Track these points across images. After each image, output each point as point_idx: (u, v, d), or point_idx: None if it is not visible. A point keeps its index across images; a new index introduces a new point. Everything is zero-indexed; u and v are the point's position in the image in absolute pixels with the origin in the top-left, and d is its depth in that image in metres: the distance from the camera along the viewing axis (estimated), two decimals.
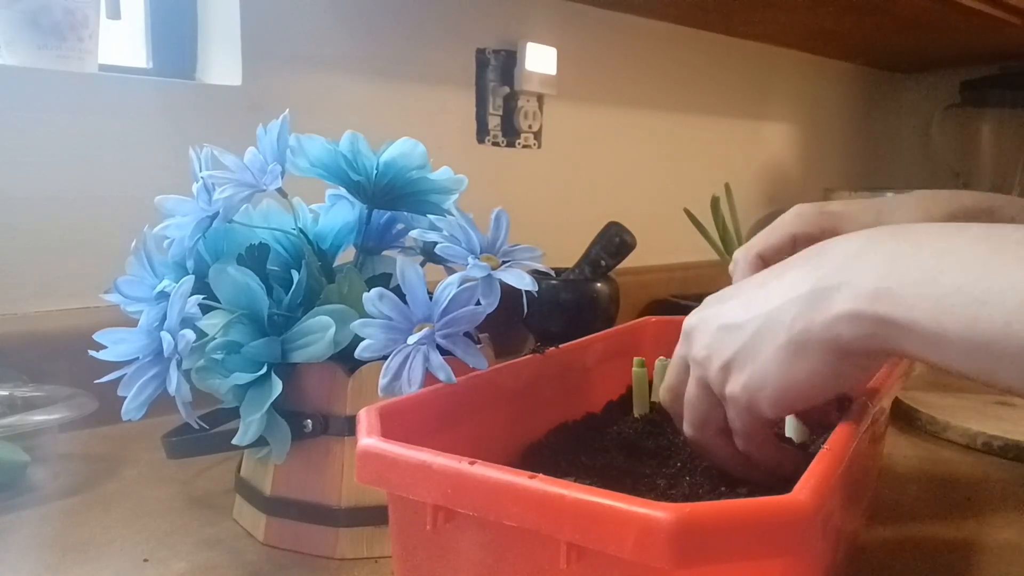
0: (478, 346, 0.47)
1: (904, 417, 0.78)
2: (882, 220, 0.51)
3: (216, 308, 0.49)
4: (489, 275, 0.46)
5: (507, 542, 0.34)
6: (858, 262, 0.34)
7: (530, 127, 1.14)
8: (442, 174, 0.55)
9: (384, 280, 0.54)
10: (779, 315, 0.36)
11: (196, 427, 0.51)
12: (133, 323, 0.50)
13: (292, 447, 0.49)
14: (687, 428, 0.43)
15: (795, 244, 0.51)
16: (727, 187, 1.30)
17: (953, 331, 0.30)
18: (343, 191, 0.55)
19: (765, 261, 0.51)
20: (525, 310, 0.52)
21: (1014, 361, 0.29)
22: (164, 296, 0.49)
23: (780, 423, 0.51)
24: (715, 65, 1.44)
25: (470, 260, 0.47)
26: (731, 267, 0.53)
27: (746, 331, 0.38)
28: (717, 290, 0.44)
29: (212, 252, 0.53)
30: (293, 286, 0.50)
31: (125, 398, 0.48)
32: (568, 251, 1.02)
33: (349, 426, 0.49)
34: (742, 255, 0.52)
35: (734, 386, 0.39)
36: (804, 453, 0.43)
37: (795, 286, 0.36)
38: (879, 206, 0.53)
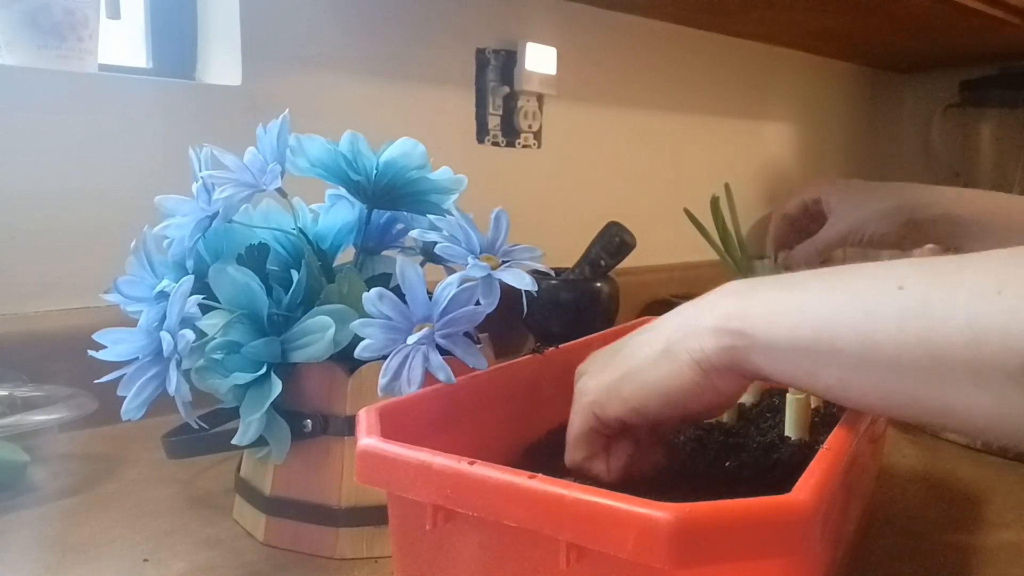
0: (478, 346, 0.47)
1: None
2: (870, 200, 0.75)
3: (216, 308, 0.49)
4: (489, 275, 0.46)
5: (507, 542, 0.34)
6: (729, 295, 0.40)
7: (530, 127, 1.14)
8: (442, 174, 0.55)
9: (384, 280, 0.54)
10: (664, 330, 0.41)
11: (196, 427, 0.51)
12: (133, 323, 0.50)
13: (292, 447, 0.49)
14: (566, 458, 0.44)
15: (806, 207, 0.80)
16: (727, 187, 1.29)
17: (781, 336, 0.36)
18: (343, 191, 0.55)
19: (788, 220, 0.83)
20: (525, 310, 0.52)
21: (828, 360, 0.34)
22: (164, 296, 0.49)
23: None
24: (715, 65, 1.44)
25: (470, 260, 0.47)
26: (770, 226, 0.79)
27: (626, 347, 0.43)
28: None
29: (212, 252, 0.53)
30: (293, 286, 0.50)
31: (125, 398, 0.48)
32: (568, 251, 1.02)
33: (349, 426, 0.49)
34: (776, 216, 0.80)
35: (587, 383, 0.42)
36: (654, 453, 0.44)
37: (682, 314, 0.41)
38: (867, 192, 0.75)
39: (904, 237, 0.76)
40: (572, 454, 0.43)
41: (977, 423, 0.31)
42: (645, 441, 0.44)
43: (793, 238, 0.84)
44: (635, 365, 0.41)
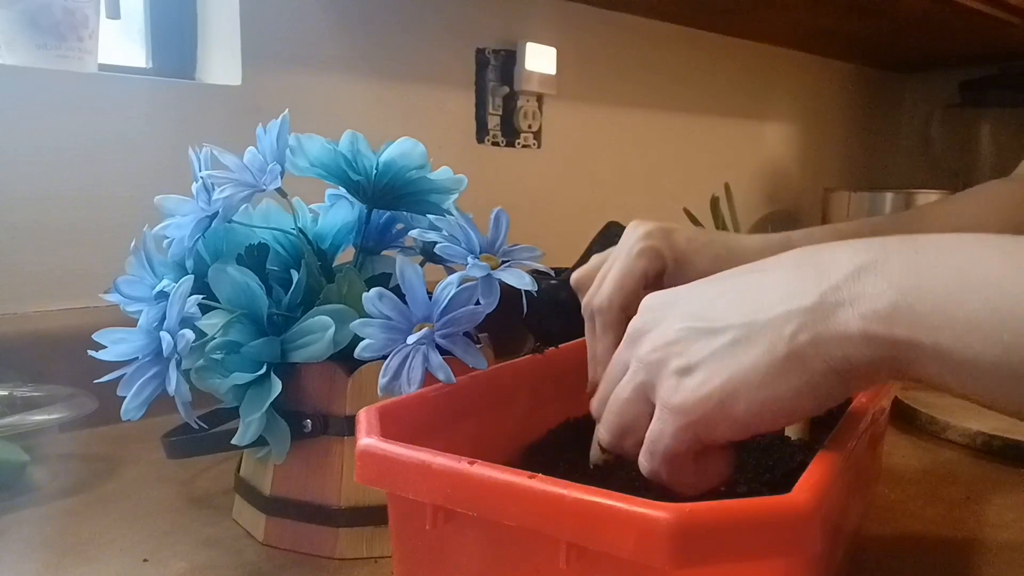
0: (478, 346, 0.47)
1: (904, 417, 0.78)
2: (719, 266, 0.41)
3: (216, 308, 0.49)
4: (488, 275, 0.46)
5: (507, 542, 0.34)
6: (871, 275, 0.30)
7: (530, 127, 1.14)
8: (442, 174, 0.55)
9: (384, 280, 0.54)
10: (777, 324, 0.32)
11: (196, 427, 0.51)
12: (133, 323, 0.50)
13: (292, 447, 0.49)
14: (606, 434, 0.38)
15: (647, 283, 0.48)
16: (727, 187, 1.30)
17: (986, 357, 0.27)
18: (343, 191, 0.55)
19: (628, 313, 0.43)
20: (525, 310, 0.52)
21: None
22: (164, 296, 0.49)
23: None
24: (715, 65, 1.44)
25: (470, 260, 0.47)
26: (589, 324, 0.49)
27: (724, 336, 0.33)
28: None
29: (212, 252, 0.53)
30: (293, 286, 0.50)
31: (125, 398, 0.48)
32: (568, 251, 1.02)
33: (349, 426, 0.48)
34: (605, 313, 0.47)
35: (688, 396, 0.33)
36: (729, 465, 0.37)
37: (797, 295, 0.32)
38: (720, 247, 0.50)
39: None
40: (663, 471, 0.34)
41: None
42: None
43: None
44: (747, 372, 0.32)
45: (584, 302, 0.50)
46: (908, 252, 0.30)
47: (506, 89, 1.11)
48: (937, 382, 0.29)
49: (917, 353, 0.29)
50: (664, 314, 0.36)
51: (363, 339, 0.44)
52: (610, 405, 0.38)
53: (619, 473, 0.46)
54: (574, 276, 0.53)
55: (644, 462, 0.35)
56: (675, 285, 0.40)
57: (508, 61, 1.10)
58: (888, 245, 0.31)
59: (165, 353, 0.47)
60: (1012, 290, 0.27)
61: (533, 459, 0.50)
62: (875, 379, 0.31)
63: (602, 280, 0.49)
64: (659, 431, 0.34)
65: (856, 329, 0.30)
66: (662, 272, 0.49)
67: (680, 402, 0.33)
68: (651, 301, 0.38)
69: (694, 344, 0.34)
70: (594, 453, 0.46)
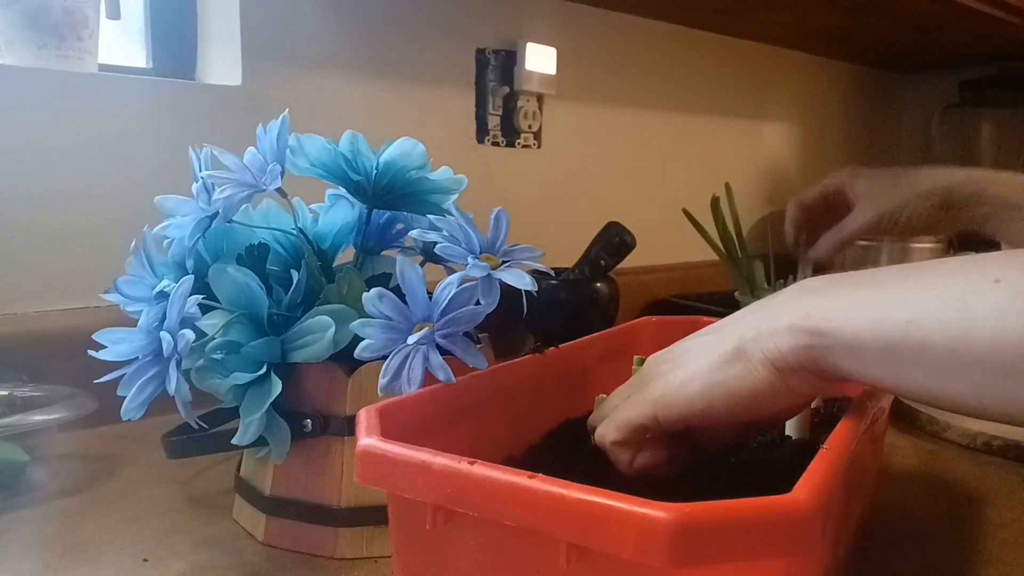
0: (478, 346, 0.47)
1: (904, 417, 0.78)
2: (900, 184, 0.70)
3: (216, 308, 0.49)
4: (489, 275, 0.46)
5: (507, 542, 0.34)
6: (802, 292, 0.39)
7: (530, 127, 1.14)
8: (442, 174, 0.55)
9: (384, 280, 0.54)
10: (736, 328, 0.40)
11: (196, 427, 0.51)
12: (133, 323, 0.50)
13: (292, 447, 0.49)
14: (593, 421, 0.45)
15: (826, 196, 0.74)
16: (727, 187, 1.30)
17: (865, 334, 0.34)
18: (343, 191, 0.55)
19: (806, 208, 0.79)
20: (525, 310, 0.52)
21: (917, 358, 0.33)
22: (164, 296, 0.49)
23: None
24: (715, 65, 1.44)
25: (470, 260, 0.47)
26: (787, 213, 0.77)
27: (703, 336, 0.42)
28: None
29: (212, 252, 0.53)
30: (293, 286, 0.50)
31: (125, 398, 0.48)
32: (568, 251, 1.02)
33: (349, 426, 0.49)
34: (792, 203, 0.78)
35: (658, 384, 0.41)
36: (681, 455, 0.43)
37: (755, 309, 0.40)
38: (896, 178, 0.68)
39: (939, 221, 0.71)
40: (610, 434, 0.42)
41: None
42: (679, 452, 0.43)
43: (810, 228, 0.81)
44: (704, 365, 0.39)
45: None
46: (830, 279, 0.39)
47: (506, 89, 1.11)
48: (843, 368, 0.36)
49: (824, 339, 0.35)
50: (666, 356, 0.44)
51: (363, 339, 0.44)
52: (608, 403, 0.45)
53: (618, 473, 0.46)
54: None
55: (604, 427, 0.43)
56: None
57: (508, 61, 1.10)
58: (822, 277, 0.39)
59: (165, 353, 0.47)
60: (886, 286, 0.35)
61: (533, 459, 0.50)
62: (805, 375, 0.37)
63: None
64: (623, 405, 0.42)
65: (784, 324, 0.37)
66: (838, 191, 0.80)
67: (651, 388, 0.41)
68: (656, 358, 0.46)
69: (679, 347, 0.43)
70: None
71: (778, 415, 0.40)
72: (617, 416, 0.42)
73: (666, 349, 0.44)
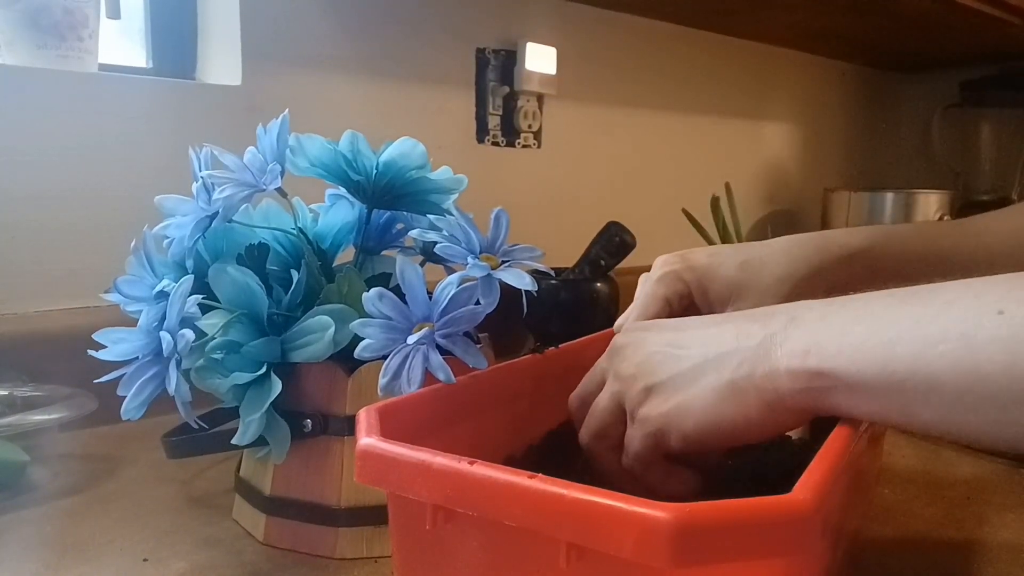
0: (478, 346, 0.47)
1: None
2: (748, 271, 0.51)
3: (216, 308, 0.49)
4: (489, 275, 0.46)
5: (507, 542, 0.34)
6: (795, 325, 0.37)
7: (530, 127, 1.14)
8: (442, 174, 0.55)
9: (384, 280, 0.54)
10: (727, 357, 0.38)
11: (196, 427, 0.51)
12: (133, 323, 0.50)
13: (292, 447, 0.49)
14: (584, 435, 0.44)
15: (671, 307, 0.51)
16: (727, 187, 1.30)
17: (869, 374, 0.33)
18: (343, 191, 0.55)
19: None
20: (525, 310, 0.52)
21: (926, 396, 0.32)
22: (164, 296, 0.49)
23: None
24: (715, 65, 1.44)
25: (470, 260, 0.47)
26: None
27: (686, 362, 0.40)
28: None
29: (212, 252, 0.53)
30: (293, 286, 0.50)
31: (125, 398, 0.48)
32: (568, 251, 1.02)
33: (349, 426, 0.49)
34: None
35: (651, 409, 0.40)
36: (696, 477, 0.43)
37: (746, 337, 0.38)
38: (745, 254, 0.52)
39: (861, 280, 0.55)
40: (626, 460, 0.41)
41: None
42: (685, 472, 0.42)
43: None
44: (697, 397, 0.38)
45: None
46: (822, 307, 0.37)
47: (506, 89, 1.11)
48: (845, 408, 0.35)
49: (826, 381, 0.34)
50: (643, 336, 0.43)
51: (363, 339, 0.44)
52: (591, 411, 0.44)
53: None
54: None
55: (624, 458, 0.42)
56: (706, 304, 0.51)
57: (508, 61, 1.10)
58: (813, 304, 0.38)
59: (165, 353, 0.47)
60: (887, 319, 0.34)
61: (533, 459, 0.50)
62: (801, 414, 0.36)
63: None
64: (631, 435, 0.41)
65: (783, 367, 0.36)
66: (686, 294, 0.52)
67: (644, 414, 0.40)
68: (635, 325, 0.45)
69: (662, 365, 0.40)
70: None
71: (762, 441, 0.40)
72: (630, 448, 0.41)
73: (655, 325, 0.44)
